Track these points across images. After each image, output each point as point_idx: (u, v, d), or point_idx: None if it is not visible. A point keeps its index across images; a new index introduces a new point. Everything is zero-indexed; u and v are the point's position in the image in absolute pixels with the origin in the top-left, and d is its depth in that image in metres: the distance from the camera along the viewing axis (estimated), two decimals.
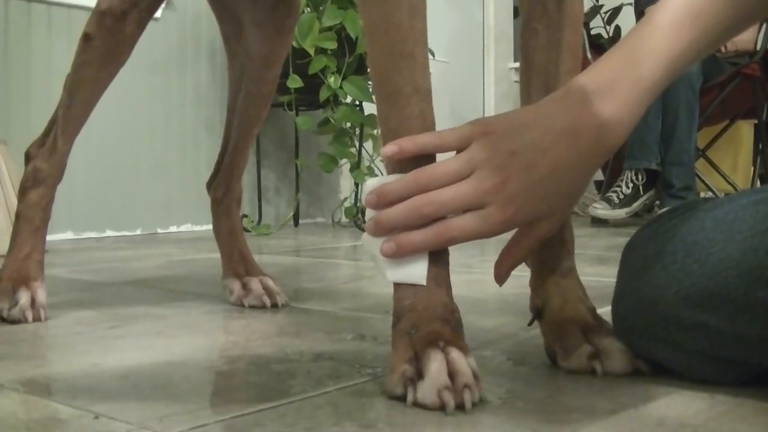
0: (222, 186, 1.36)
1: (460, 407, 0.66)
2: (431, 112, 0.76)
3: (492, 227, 0.72)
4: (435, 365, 0.68)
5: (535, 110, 0.75)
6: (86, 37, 1.17)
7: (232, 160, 1.35)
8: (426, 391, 0.67)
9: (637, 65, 0.73)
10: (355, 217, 3.15)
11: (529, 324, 0.86)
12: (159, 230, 2.98)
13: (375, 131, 3.16)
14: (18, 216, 1.22)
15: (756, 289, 0.68)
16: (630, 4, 3.81)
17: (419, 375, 0.68)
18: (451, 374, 0.67)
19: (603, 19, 4.21)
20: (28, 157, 1.24)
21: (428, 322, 0.71)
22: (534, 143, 0.72)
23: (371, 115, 3.09)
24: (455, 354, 0.69)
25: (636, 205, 3.18)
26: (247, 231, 2.83)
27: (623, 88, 0.72)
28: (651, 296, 0.75)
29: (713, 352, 0.73)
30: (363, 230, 2.91)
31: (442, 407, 0.65)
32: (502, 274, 0.78)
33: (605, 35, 4.15)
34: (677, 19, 0.73)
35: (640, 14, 3.61)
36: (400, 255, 0.73)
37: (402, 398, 0.68)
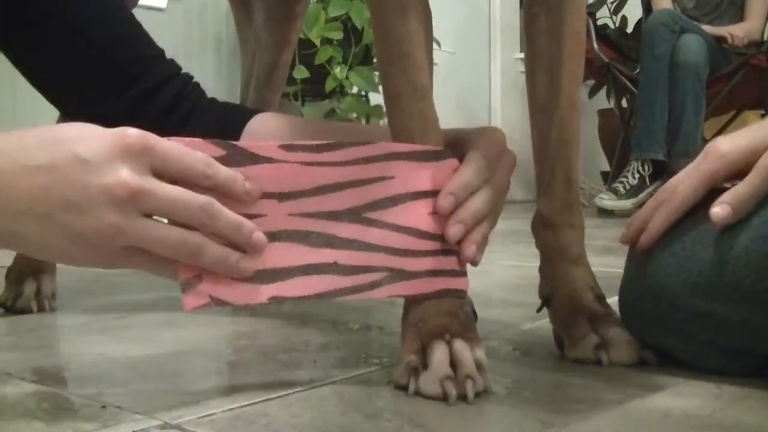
0: None
1: (462, 398, 0.66)
2: (432, 110, 0.77)
3: None
4: (437, 356, 0.68)
5: None
6: None
7: None
8: (428, 382, 0.67)
9: None
10: None
11: (538, 311, 0.86)
12: None
13: (381, 122, 3.16)
14: None
15: (765, 277, 0.68)
16: None
17: (423, 366, 0.69)
18: (454, 365, 0.68)
19: (609, 10, 4.20)
20: None
21: (435, 316, 0.72)
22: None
23: (377, 106, 3.09)
24: (459, 345, 0.69)
25: (642, 195, 3.17)
26: None
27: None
28: (659, 284, 0.75)
29: (720, 342, 0.73)
30: None
31: (444, 397, 0.66)
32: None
33: (612, 26, 4.14)
34: None
35: (647, 5, 3.60)
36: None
37: (407, 388, 0.68)
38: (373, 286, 0.70)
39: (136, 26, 0.97)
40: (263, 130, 0.91)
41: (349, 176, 0.70)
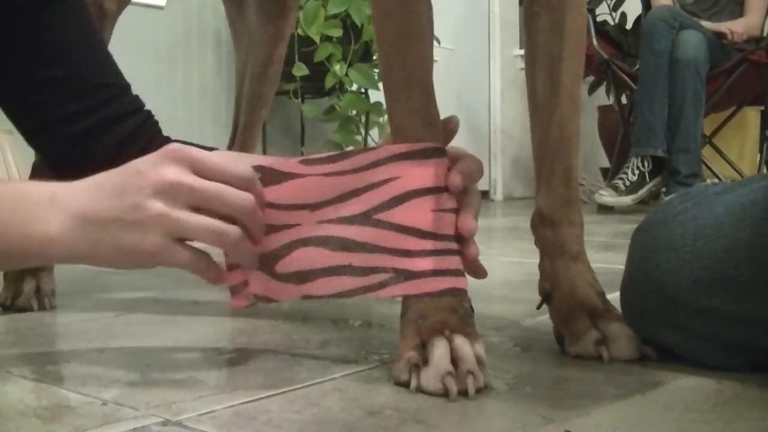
0: None
1: (463, 393, 0.66)
2: (434, 105, 0.77)
3: None
4: (438, 352, 0.68)
5: None
6: None
7: (243, 141, 1.36)
8: (429, 378, 0.67)
9: None
10: None
11: (538, 308, 0.86)
12: None
13: (381, 119, 3.16)
14: None
15: (766, 272, 0.68)
16: None
17: (424, 362, 0.69)
18: (455, 361, 0.68)
19: (609, 6, 4.20)
20: None
21: (435, 312, 0.72)
22: None
23: (377, 103, 3.09)
24: (460, 341, 0.69)
25: (642, 191, 3.17)
26: None
27: None
28: (660, 279, 0.75)
29: (721, 337, 0.73)
30: None
31: (445, 393, 0.66)
32: None
33: (611, 22, 4.14)
34: None
35: (646, 1, 3.59)
36: None
37: (408, 384, 0.68)
38: (381, 286, 0.72)
39: (108, 56, 1.01)
40: None
41: (361, 181, 0.74)
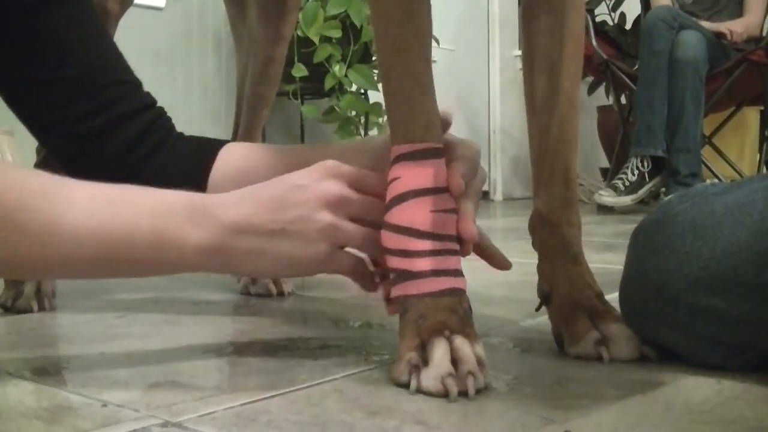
0: None
1: (463, 394, 0.66)
2: (434, 106, 0.77)
3: None
4: (439, 352, 0.68)
5: None
6: None
7: (244, 142, 1.36)
8: (429, 378, 0.67)
9: None
10: None
11: (537, 309, 0.86)
12: None
13: (380, 119, 3.16)
14: None
15: (766, 272, 0.68)
16: None
17: (424, 362, 0.69)
18: (456, 361, 0.68)
19: (608, 6, 4.20)
20: (40, 150, 1.24)
21: (435, 312, 0.72)
22: None
23: (376, 104, 3.09)
24: (460, 342, 0.69)
25: (642, 191, 3.17)
26: None
27: None
28: (660, 279, 0.75)
29: (721, 337, 0.73)
30: None
31: (445, 394, 0.66)
32: None
33: (610, 22, 4.14)
34: None
35: (645, 1, 3.59)
36: None
37: (408, 385, 0.68)
38: (389, 286, 0.75)
39: (117, 55, 1.01)
40: (233, 161, 0.96)
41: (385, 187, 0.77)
